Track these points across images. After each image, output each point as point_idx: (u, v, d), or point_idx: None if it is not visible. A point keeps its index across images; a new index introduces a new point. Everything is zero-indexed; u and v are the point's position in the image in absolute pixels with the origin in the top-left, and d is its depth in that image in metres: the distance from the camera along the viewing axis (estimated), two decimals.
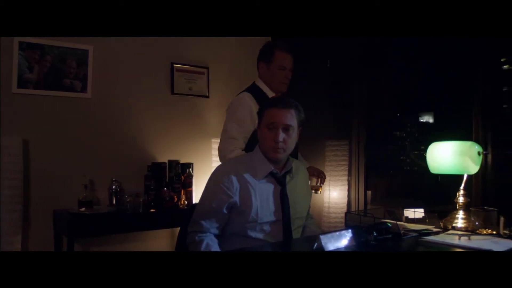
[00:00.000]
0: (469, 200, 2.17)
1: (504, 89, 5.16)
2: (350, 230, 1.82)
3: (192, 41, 3.73)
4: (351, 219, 2.27)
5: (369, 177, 3.93)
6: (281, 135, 2.01)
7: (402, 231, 1.98)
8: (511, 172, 4.11)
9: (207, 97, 3.82)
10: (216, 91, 3.87)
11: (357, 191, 3.83)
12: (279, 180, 2.09)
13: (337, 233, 1.79)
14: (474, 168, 2.08)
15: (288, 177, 2.13)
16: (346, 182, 3.94)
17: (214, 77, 3.86)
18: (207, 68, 3.82)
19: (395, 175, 4.61)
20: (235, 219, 2.02)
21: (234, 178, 2.00)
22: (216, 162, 3.67)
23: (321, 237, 1.73)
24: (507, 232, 1.93)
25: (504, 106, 5.43)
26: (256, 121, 2.43)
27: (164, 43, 3.59)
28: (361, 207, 3.81)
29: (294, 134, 2.06)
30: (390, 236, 1.95)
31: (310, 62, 4.11)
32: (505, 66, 5.25)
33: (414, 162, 4.70)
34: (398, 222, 2.03)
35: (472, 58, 3.62)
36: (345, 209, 3.92)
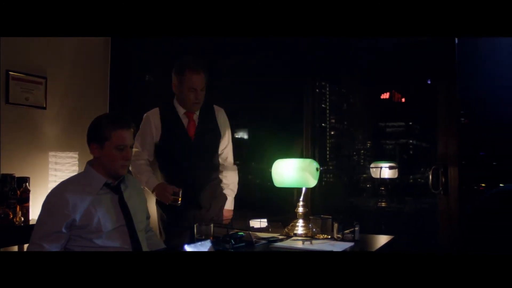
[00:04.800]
0: (307, 209, 2.48)
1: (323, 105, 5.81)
2: (209, 240, 1.99)
3: (30, 49, 3.52)
4: (200, 230, 2.37)
5: None
6: (131, 154, 2.20)
7: (254, 239, 2.19)
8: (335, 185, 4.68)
9: (44, 108, 3.63)
10: (54, 102, 3.70)
11: None
12: (115, 189, 2.21)
13: (199, 243, 1.94)
14: (313, 182, 2.40)
15: (122, 186, 2.25)
16: None
17: (52, 88, 3.69)
18: (45, 78, 3.63)
19: None
20: (80, 234, 2.07)
21: (69, 197, 2.06)
22: (53, 176, 3.51)
23: (185, 246, 1.86)
24: (340, 236, 2.27)
25: (323, 124, 6.10)
26: (154, 136, 2.74)
27: None
28: None
29: None
30: (244, 244, 2.15)
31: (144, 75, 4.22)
32: (324, 90, 5.93)
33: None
34: (250, 232, 2.23)
35: (300, 82, 4.03)
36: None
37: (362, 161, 5.63)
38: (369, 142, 5.65)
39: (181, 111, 2.78)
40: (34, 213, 3.38)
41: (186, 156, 2.74)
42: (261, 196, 4.85)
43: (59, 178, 3.48)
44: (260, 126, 5.05)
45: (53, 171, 3.51)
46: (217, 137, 2.85)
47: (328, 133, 5.54)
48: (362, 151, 5.68)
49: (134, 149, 2.67)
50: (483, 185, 4.38)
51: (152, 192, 2.70)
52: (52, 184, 3.49)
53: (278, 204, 3.97)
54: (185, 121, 2.78)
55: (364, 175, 5.31)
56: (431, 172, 2.89)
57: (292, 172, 2.40)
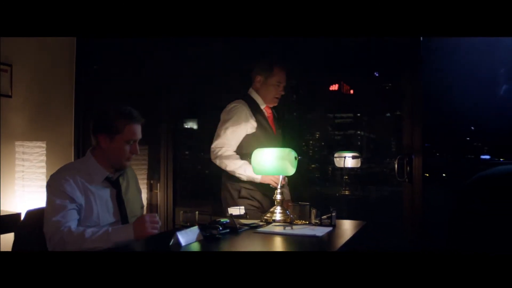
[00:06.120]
0: (284, 197, 2.58)
1: None
2: (197, 227, 2.07)
3: None
4: (186, 218, 2.42)
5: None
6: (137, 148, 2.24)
7: (237, 226, 2.28)
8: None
9: (10, 96, 3.56)
10: (20, 90, 3.63)
11: (166, 193, 4.02)
12: (114, 183, 2.24)
13: (189, 229, 2.01)
14: (292, 170, 2.50)
15: (121, 179, 2.28)
16: (146, 186, 4.14)
17: (18, 76, 3.61)
18: (11, 65, 3.56)
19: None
20: (80, 223, 2.10)
21: (74, 185, 2.09)
22: (21, 166, 3.46)
23: (177, 233, 1.93)
24: (317, 221, 2.39)
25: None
26: (248, 127, 2.90)
27: None
28: (169, 208, 4.02)
29: None
30: (228, 230, 2.23)
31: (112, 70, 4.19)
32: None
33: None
34: (235, 219, 2.32)
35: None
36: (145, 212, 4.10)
37: (311, 151, 5.80)
38: (317, 133, 5.81)
39: (262, 104, 3.02)
40: (3, 204, 3.33)
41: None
42: (209, 187, 4.94)
43: (27, 168, 3.44)
44: (210, 116, 5.14)
45: (21, 161, 3.46)
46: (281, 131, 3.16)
47: None
48: (311, 142, 5.84)
49: (224, 140, 2.90)
50: (426, 174, 4.64)
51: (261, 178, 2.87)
52: (19, 174, 3.44)
53: None
54: (265, 114, 3.03)
55: (313, 165, 5.49)
56: (396, 161, 3.07)
57: (272, 160, 2.49)
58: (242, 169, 2.89)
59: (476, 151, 4.67)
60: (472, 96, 3.95)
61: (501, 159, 4.30)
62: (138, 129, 2.20)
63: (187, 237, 1.97)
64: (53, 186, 2.09)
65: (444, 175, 4.60)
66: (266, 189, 2.94)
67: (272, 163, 2.49)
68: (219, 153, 2.93)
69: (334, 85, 5.59)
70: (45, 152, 3.51)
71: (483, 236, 1.11)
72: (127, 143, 2.16)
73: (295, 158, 2.51)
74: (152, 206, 4.20)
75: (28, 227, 2.16)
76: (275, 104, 3.07)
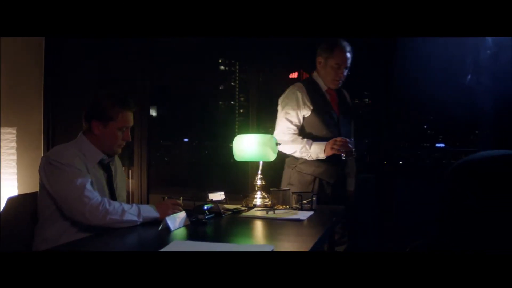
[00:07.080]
0: (264, 183, 2.63)
1: (220, 87, 5.95)
2: (184, 212, 2.11)
3: None
4: None
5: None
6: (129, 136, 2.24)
7: (222, 210, 2.33)
8: None
9: None
10: None
11: (140, 180, 4.01)
12: (106, 167, 2.25)
13: (177, 215, 2.06)
14: (273, 156, 2.55)
15: (110, 164, 2.29)
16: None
17: None
18: None
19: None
20: None
21: (81, 161, 2.09)
22: None
23: (166, 218, 1.97)
24: (298, 206, 2.46)
25: (232, 102, 6.21)
26: (304, 110, 2.84)
27: None
28: (143, 195, 4.02)
29: None
30: (213, 215, 2.28)
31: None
32: (222, 67, 6.07)
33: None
34: (219, 204, 2.36)
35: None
36: None
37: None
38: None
39: (323, 87, 2.94)
40: None
41: (333, 130, 2.90)
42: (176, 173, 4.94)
43: None
44: (180, 104, 5.14)
45: None
46: (352, 116, 3.13)
47: (237, 111, 5.66)
48: (270, 129, 5.91)
49: (287, 123, 2.84)
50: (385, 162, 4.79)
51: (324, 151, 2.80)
52: None
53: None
54: (328, 96, 2.95)
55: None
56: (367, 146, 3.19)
57: (253, 146, 2.53)
58: (304, 148, 2.80)
59: (431, 140, 4.80)
60: (433, 85, 4.06)
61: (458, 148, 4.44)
62: (131, 117, 2.21)
63: (176, 222, 2.01)
64: (63, 163, 2.03)
65: (400, 162, 4.73)
66: (317, 173, 2.89)
67: (253, 149, 2.54)
68: (284, 138, 2.85)
69: (293, 73, 5.61)
70: (15, 138, 3.44)
71: (477, 233, 1.04)
72: (120, 130, 2.16)
73: (276, 144, 2.56)
74: None
75: (11, 214, 2.13)
76: (336, 87, 2.95)
